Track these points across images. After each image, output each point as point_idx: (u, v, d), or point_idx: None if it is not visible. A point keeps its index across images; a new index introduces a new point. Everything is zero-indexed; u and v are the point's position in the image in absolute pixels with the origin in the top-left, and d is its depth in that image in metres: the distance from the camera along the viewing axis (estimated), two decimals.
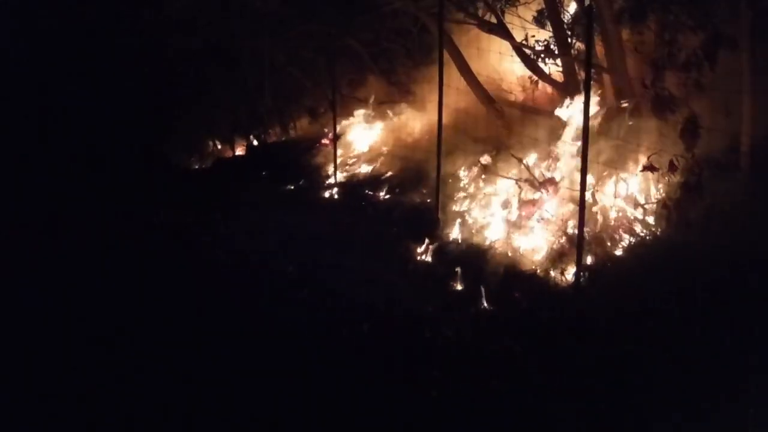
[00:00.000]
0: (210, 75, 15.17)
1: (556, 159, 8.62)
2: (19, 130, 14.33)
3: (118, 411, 5.68)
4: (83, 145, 14.26)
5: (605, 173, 7.96)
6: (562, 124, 8.96)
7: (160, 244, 9.44)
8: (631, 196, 7.77)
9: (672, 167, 7.15)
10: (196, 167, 15.60)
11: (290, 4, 12.59)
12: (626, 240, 7.49)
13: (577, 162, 7.24)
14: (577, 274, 7.07)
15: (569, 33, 9.06)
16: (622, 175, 7.88)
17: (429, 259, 8.42)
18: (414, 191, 10.12)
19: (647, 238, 7.38)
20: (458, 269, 7.82)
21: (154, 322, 7.11)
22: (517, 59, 9.92)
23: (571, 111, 8.45)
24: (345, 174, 11.74)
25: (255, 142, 15.37)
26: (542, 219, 8.11)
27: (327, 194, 11.28)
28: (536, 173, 8.52)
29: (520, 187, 8.55)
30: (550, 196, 8.23)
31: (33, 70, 15.02)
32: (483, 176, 9.12)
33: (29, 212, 10.94)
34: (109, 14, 14.50)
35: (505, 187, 8.85)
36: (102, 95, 14.68)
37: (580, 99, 7.79)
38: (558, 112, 8.69)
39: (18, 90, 14.75)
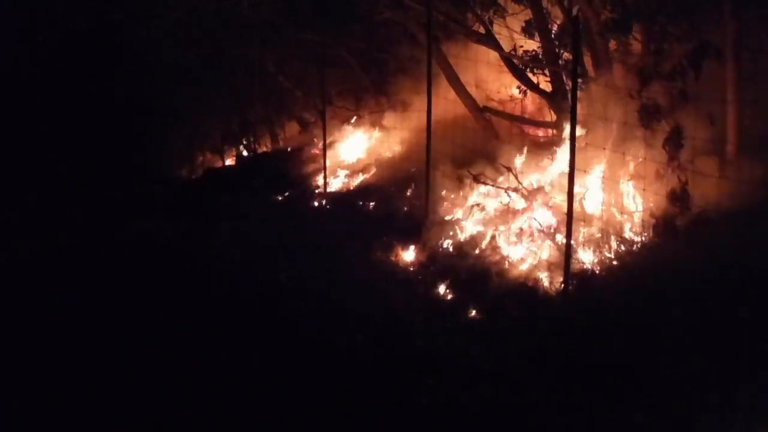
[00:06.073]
0: (203, 86, 15.23)
1: (545, 168, 8.68)
2: (14, 144, 14.38)
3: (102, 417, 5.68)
4: (75, 157, 14.30)
5: (593, 182, 8.01)
6: (551, 134, 9.05)
7: (150, 254, 9.45)
8: (618, 204, 7.82)
9: (658, 176, 7.23)
10: (186, 177, 15.63)
11: (281, 13, 12.64)
12: (614, 248, 7.54)
13: (566, 171, 7.29)
14: (565, 282, 7.10)
15: (557, 43, 9.13)
16: (610, 184, 7.94)
17: (419, 268, 8.44)
18: (404, 200, 10.15)
19: (634, 246, 7.43)
20: (448, 278, 7.85)
21: (143, 331, 7.10)
22: (506, 69, 9.98)
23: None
24: (335, 183, 11.77)
25: (245, 152, 15.40)
26: (531, 228, 8.16)
27: (317, 203, 11.30)
28: (525, 182, 8.57)
29: (509, 196, 8.60)
30: (539, 205, 8.28)
31: (28, 85, 15.07)
32: (472, 185, 9.16)
33: (24, 222, 10.99)
34: (104, 30, 14.54)
35: (494, 196, 8.90)
36: (95, 107, 14.74)
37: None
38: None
39: (14, 104, 14.80)
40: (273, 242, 9.46)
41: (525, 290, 7.39)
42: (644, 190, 7.45)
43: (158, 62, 14.69)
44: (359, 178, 11.64)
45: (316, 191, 11.69)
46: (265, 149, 15.42)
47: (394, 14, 10.97)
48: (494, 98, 10.46)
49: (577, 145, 7.12)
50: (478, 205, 8.92)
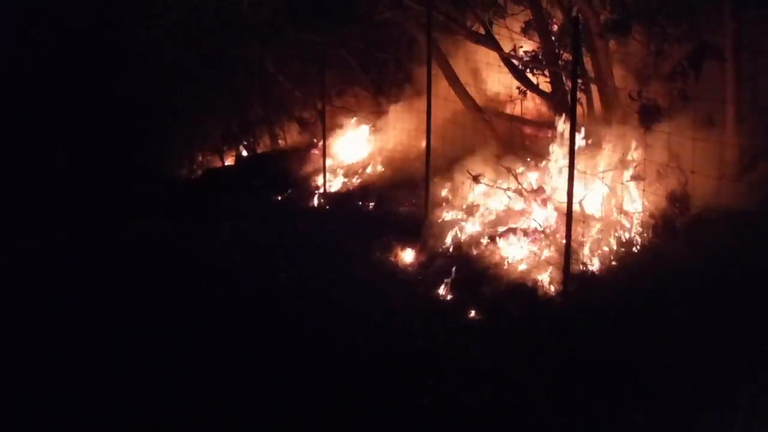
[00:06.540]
0: (203, 86, 15.24)
1: (545, 169, 8.68)
2: (14, 144, 14.40)
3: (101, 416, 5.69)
4: (75, 157, 14.31)
5: (593, 183, 8.01)
6: (551, 134, 9.03)
7: (150, 254, 9.45)
8: (618, 205, 7.82)
9: (658, 176, 7.23)
10: (186, 177, 15.63)
11: (281, 13, 12.65)
12: (614, 249, 7.54)
13: (565, 172, 7.29)
14: (565, 283, 7.11)
15: (557, 44, 9.13)
16: (610, 184, 7.94)
17: (419, 268, 8.44)
18: (403, 201, 10.16)
19: (634, 246, 7.43)
20: (448, 278, 7.86)
21: (143, 331, 7.10)
22: (505, 70, 9.99)
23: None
24: (335, 183, 11.77)
25: (245, 152, 15.40)
26: (531, 228, 8.15)
27: (316, 203, 11.30)
28: (525, 183, 8.57)
29: (509, 197, 8.60)
30: (539, 206, 8.28)
31: (28, 85, 15.09)
32: (472, 186, 9.16)
33: (24, 222, 11.02)
34: (104, 30, 14.55)
35: (494, 197, 8.90)
36: (95, 107, 14.76)
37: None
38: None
39: (14, 104, 14.82)
40: (273, 242, 9.46)
41: (525, 290, 7.39)
42: (644, 190, 7.46)
43: (158, 62, 14.70)
44: (359, 178, 11.65)
45: (316, 191, 11.69)
46: (265, 149, 15.42)
47: (394, 14, 10.97)
48: (494, 98, 10.45)
49: (576, 145, 7.13)
50: (478, 205, 8.92)
